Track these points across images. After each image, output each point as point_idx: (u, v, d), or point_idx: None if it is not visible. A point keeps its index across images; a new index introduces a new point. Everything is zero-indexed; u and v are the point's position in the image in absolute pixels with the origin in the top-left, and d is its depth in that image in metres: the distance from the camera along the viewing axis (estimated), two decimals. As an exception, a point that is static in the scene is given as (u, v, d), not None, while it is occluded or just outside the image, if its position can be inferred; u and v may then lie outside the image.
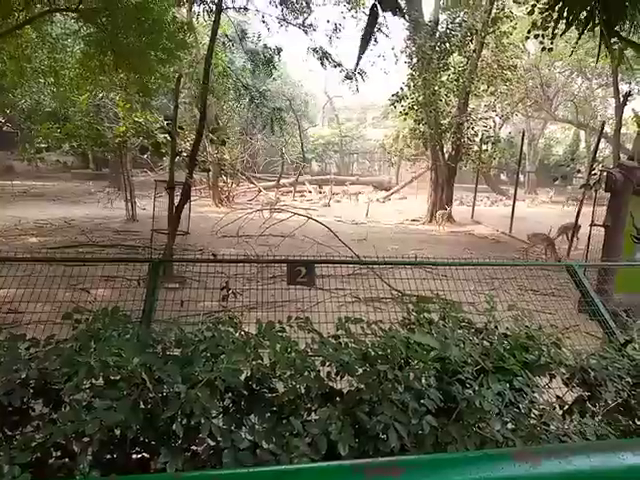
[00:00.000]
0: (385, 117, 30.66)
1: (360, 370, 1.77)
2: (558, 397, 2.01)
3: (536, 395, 1.84)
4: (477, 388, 1.66)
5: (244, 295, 5.70)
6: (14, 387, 1.72)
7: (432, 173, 17.81)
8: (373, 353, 1.83)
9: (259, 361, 1.91)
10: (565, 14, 4.08)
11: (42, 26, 11.83)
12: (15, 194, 20.34)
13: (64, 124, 14.22)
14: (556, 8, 4.43)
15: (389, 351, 1.77)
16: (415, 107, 16.10)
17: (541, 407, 1.80)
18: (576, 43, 12.12)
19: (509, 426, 1.69)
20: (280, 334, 2.10)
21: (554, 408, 1.86)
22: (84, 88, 13.29)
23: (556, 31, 9.67)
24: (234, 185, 22.12)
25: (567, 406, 1.96)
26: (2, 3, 9.91)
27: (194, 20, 14.27)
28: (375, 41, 13.79)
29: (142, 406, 1.66)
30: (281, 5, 12.54)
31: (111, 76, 12.13)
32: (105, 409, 1.55)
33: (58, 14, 11.82)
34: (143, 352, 1.75)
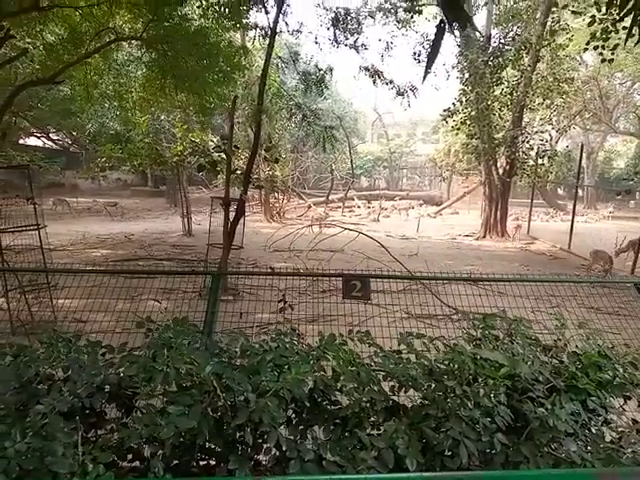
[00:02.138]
0: (435, 132, 30.44)
1: (426, 385, 1.76)
2: (635, 421, 1.90)
3: (612, 417, 1.75)
4: (549, 407, 1.61)
5: (298, 307, 5.80)
6: (93, 391, 1.82)
7: (485, 188, 17.42)
8: (439, 368, 1.81)
9: (322, 373, 1.93)
10: (630, 23, 3.94)
11: (108, 54, 12.58)
12: (80, 210, 21.50)
13: (126, 145, 14.99)
14: (622, 16, 4.28)
15: (456, 367, 1.75)
16: (467, 121, 15.88)
17: (619, 429, 1.72)
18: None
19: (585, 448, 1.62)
20: (342, 347, 2.11)
21: (631, 432, 1.76)
22: (145, 110, 13.97)
23: (617, 41, 9.37)
24: (285, 201, 22.51)
25: (645, 430, 1.85)
26: (74, 35, 10.64)
27: (249, 43, 14.79)
28: (426, 57, 13.76)
29: (212, 413, 1.71)
30: (333, 27, 12.79)
31: (171, 98, 12.69)
32: (179, 415, 1.61)
33: (123, 42, 12.54)
34: (213, 361, 1.81)
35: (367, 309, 6.43)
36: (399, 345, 2.20)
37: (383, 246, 10.18)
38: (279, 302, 3.52)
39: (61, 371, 1.90)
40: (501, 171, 16.84)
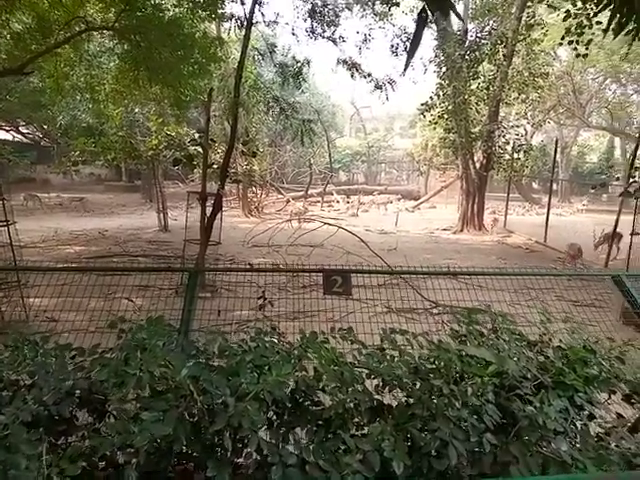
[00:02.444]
0: (412, 126, 30.56)
1: (411, 384, 1.70)
2: (619, 415, 1.89)
3: (599, 412, 1.73)
4: (538, 405, 1.57)
5: (278, 304, 5.72)
6: (62, 397, 1.71)
7: (462, 182, 17.58)
8: (424, 366, 1.76)
9: (304, 373, 1.86)
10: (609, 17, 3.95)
11: (79, 44, 12.20)
12: (52, 206, 20.95)
13: (99, 138, 14.60)
14: (595, 12, 4.30)
15: (442, 364, 1.70)
16: (445, 116, 15.96)
17: (608, 425, 1.69)
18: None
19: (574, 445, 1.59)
20: (324, 345, 2.05)
21: (619, 427, 1.74)
22: (119, 103, 13.63)
23: (591, 36, 9.46)
24: (263, 195, 22.31)
25: (630, 424, 1.84)
26: (43, 24, 10.28)
27: (224, 35, 14.54)
28: (404, 51, 13.75)
29: (188, 418, 1.63)
30: (310, 18, 12.64)
31: (145, 90, 12.40)
32: (153, 421, 1.52)
33: (95, 33, 12.18)
34: (189, 363, 1.73)
35: (348, 304, 6.41)
36: (382, 342, 2.14)
37: (363, 241, 10.17)
38: (258, 299, 3.44)
39: (27, 377, 1.79)
40: (478, 165, 17.02)
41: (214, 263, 9.15)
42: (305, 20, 13.20)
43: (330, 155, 28.70)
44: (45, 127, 26.51)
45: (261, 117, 18.17)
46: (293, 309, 5.38)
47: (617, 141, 34.41)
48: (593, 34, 9.11)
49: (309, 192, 26.00)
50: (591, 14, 8.75)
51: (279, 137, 25.41)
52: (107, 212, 20.47)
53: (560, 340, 2.11)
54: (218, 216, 8.77)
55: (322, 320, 4.98)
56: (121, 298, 6.05)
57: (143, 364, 1.66)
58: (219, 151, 12.14)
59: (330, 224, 11.71)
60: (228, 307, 5.34)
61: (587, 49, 9.35)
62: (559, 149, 23.70)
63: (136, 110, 15.35)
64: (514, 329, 2.08)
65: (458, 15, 2.87)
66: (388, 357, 1.95)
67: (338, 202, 26.90)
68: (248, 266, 8.71)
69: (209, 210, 8.51)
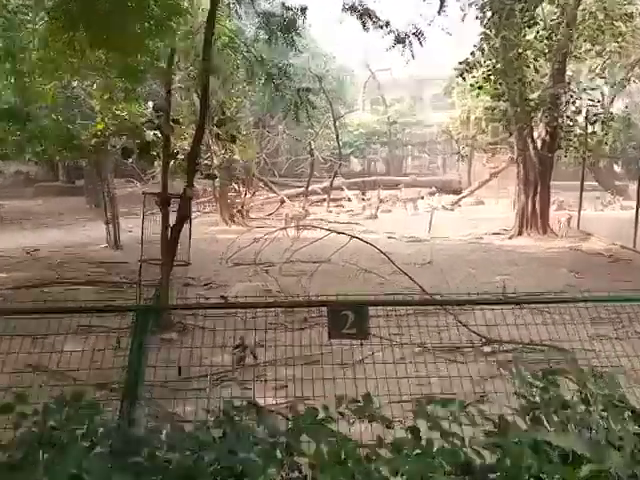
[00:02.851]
0: (448, 94, 30.17)
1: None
2: None
3: None
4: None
5: (266, 348, 5.48)
6: None
7: (519, 167, 17.35)
8: (479, 464, 1.55)
9: (297, 474, 1.66)
10: None
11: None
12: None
13: (25, 124, 14.50)
14: None
15: (507, 461, 1.49)
16: (492, 77, 15.76)
17: None
18: None
19: None
20: (327, 425, 1.85)
21: None
22: (50, 75, 13.53)
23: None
24: (249, 195, 22.15)
25: None
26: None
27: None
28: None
29: None
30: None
31: (85, 57, 12.27)
32: None
33: (14, -19, 12.13)
34: (120, 466, 1.52)
35: (364, 343, 6.20)
36: (415, 417, 1.94)
37: (384, 253, 9.97)
38: (235, 349, 3.26)
39: None
40: (539, 144, 16.80)
41: (182, 290, 8.96)
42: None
43: (338, 137, 28.47)
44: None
45: (242, 88, 18.05)
46: (286, 355, 5.17)
47: None
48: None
49: (310, 188, 25.90)
50: None
51: (268, 115, 25.24)
52: (37, 224, 20.41)
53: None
54: (186, 226, 8.63)
55: (327, 368, 4.76)
56: (52, 344, 5.85)
57: (47, 473, 1.45)
58: (187, 136, 11.98)
59: (339, 232, 11.50)
60: (201, 355, 5.13)
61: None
62: (650, 118, 23.40)
63: (74, 84, 15.27)
64: (613, 393, 1.86)
65: None
66: (424, 443, 1.75)
67: (350, 200, 26.82)
68: (222, 301, 8.59)
69: (174, 217, 8.37)
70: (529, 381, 1.89)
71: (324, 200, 25.81)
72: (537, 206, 17.07)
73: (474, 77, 16.00)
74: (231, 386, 5.19)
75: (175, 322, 7.93)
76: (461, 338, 6.47)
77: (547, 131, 16.58)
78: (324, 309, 3.71)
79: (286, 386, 4.71)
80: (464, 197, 27.63)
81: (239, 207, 20.58)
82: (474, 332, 6.59)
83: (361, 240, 10.97)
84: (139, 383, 2.82)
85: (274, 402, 4.49)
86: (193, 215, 9.38)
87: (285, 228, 13.33)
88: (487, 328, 6.08)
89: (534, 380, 1.91)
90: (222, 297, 8.68)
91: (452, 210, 25.42)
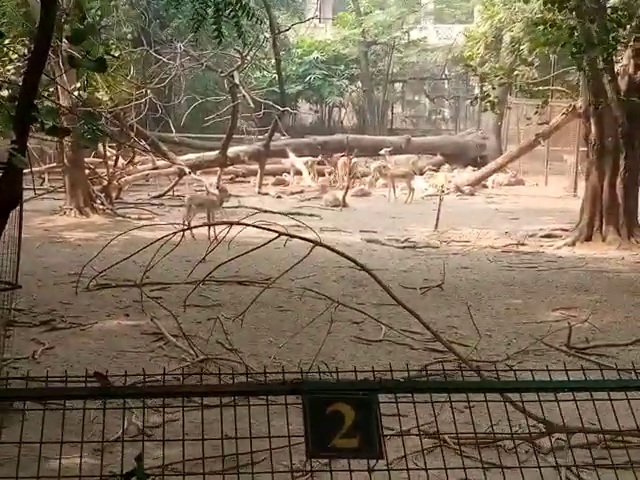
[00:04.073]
0: None
1: None
2: None
3: None
4: None
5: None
6: None
7: (589, 125, 12.90)
8: None
9: None
10: None
11: None
12: None
13: None
14: None
15: None
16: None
17: None
18: None
19: None
20: None
21: None
22: None
23: None
24: (121, 162, 16.96)
25: None
26: None
27: None
28: None
29: None
30: None
31: None
32: None
33: None
34: None
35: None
36: None
37: (370, 272, 7.28)
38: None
39: None
40: (624, 86, 12.32)
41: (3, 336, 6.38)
42: None
43: (279, 65, 20.08)
44: None
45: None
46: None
47: None
48: None
49: (230, 151, 19.21)
50: None
51: (158, 24, 18.98)
52: None
53: None
54: (14, 217, 5.92)
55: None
56: None
57: None
58: (13, 58, 8.98)
59: (289, 235, 8.25)
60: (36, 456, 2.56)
61: None
62: None
63: None
64: None
65: None
66: None
67: (299, 174, 20.22)
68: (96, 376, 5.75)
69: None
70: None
71: (254, 173, 19.46)
72: (619, 192, 12.64)
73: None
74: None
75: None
76: (501, 424, 4.15)
77: (637, 63, 12.25)
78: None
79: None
80: (492, 173, 20.43)
81: (107, 184, 15.55)
82: (523, 411, 4.14)
83: (328, 248, 7.78)
84: None
85: None
86: (24, 197, 6.36)
87: (188, 228, 10.20)
88: (546, 407, 3.57)
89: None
90: (97, 375, 5.54)
91: (472, 194, 19.07)
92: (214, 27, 8.40)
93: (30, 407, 4.15)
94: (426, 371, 4.71)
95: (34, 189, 14.36)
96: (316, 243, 7.75)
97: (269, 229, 8.17)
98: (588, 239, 12.72)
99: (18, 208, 5.74)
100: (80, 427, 2.54)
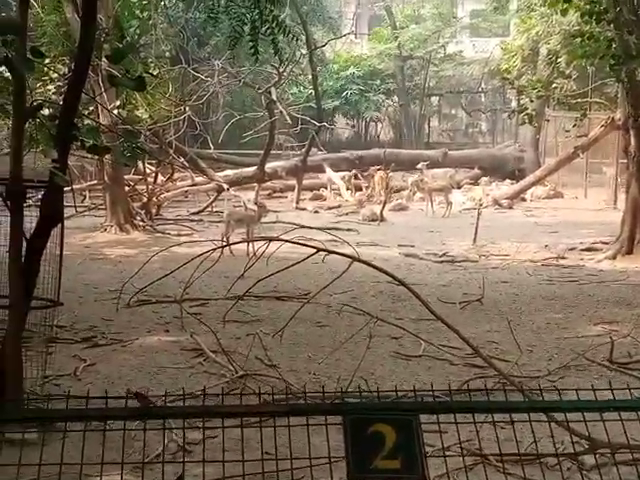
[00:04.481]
0: (501, 10, 24.19)
1: None
2: None
3: None
4: None
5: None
6: None
7: (628, 137, 12.82)
8: None
9: None
10: None
11: None
12: None
13: None
14: None
15: None
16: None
17: None
18: None
19: None
20: None
21: None
22: None
23: None
24: (162, 179, 17.42)
25: None
26: None
27: None
28: None
29: None
30: None
31: None
32: None
33: None
34: None
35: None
36: None
37: (410, 288, 7.12)
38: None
39: None
40: None
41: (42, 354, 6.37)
42: None
43: (315, 81, 20.88)
44: None
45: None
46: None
47: None
48: None
49: (271, 166, 19.78)
50: None
51: (195, 41, 19.77)
52: None
53: None
54: (56, 234, 6.23)
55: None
56: None
57: None
58: (54, 77, 9.06)
59: (327, 251, 8.27)
60: (77, 475, 2.57)
61: None
62: None
63: None
64: None
65: None
66: None
67: (336, 188, 20.49)
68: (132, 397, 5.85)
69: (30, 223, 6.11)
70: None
71: (292, 188, 19.90)
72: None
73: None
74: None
75: (29, 409, 5.17)
76: (544, 442, 4.10)
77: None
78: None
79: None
80: (530, 186, 20.79)
81: (147, 201, 15.87)
82: (567, 429, 3.74)
83: (366, 264, 7.85)
84: None
85: None
86: (65, 215, 6.56)
87: (228, 245, 10.28)
88: (590, 423, 3.60)
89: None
90: (138, 395, 5.67)
91: (510, 208, 19.44)
92: (251, 44, 8.80)
93: (70, 426, 4.21)
94: (468, 390, 4.66)
95: (75, 206, 14.51)
96: (354, 259, 7.83)
97: (307, 245, 8.28)
98: (629, 252, 12.64)
99: (60, 225, 6.06)
100: (120, 444, 2.61)
